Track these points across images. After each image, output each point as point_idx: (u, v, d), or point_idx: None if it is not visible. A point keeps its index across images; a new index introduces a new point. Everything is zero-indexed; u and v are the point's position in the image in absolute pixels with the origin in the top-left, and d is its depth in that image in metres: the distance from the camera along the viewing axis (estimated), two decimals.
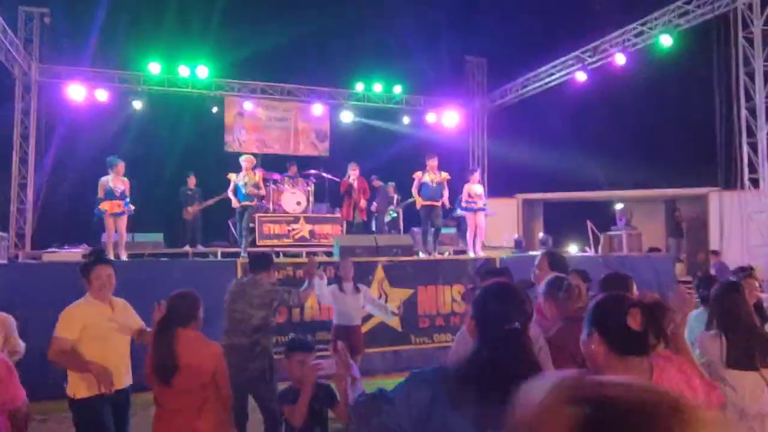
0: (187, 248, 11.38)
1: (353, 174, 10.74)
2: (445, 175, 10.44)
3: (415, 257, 9.52)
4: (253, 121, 15.93)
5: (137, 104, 14.39)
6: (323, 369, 2.97)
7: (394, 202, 13.20)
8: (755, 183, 10.78)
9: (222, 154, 15.25)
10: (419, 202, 10.25)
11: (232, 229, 12.12)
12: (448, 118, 17.48)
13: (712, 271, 12.54)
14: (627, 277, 3.47)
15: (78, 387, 3.50)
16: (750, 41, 10.62)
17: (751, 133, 10.74)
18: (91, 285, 3.62)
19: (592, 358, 1.81)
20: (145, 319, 3.81)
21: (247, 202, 9.92)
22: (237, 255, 9.91)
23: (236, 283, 4.77)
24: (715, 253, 13.16)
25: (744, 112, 10.72)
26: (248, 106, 15.50)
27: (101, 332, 3.57)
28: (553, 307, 3.21)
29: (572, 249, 14.11)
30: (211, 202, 11.61)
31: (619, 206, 13.31)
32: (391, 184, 13.10)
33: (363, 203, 11.06)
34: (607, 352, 1.76)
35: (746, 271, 5.08)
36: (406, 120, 17.27)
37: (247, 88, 15.62)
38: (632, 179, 16.76)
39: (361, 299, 6.28)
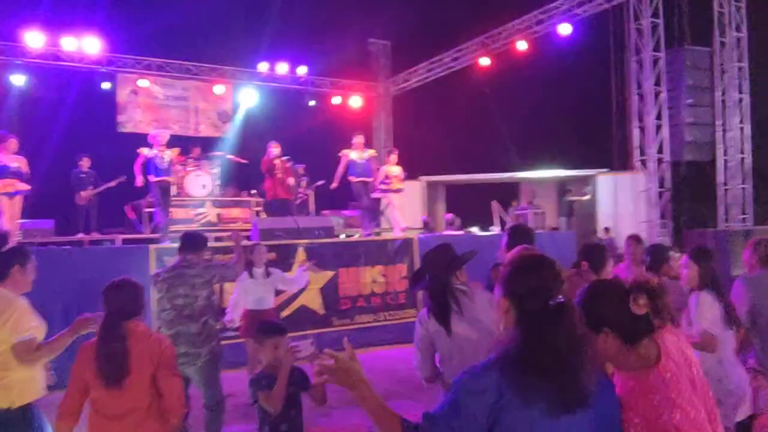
0: (80, 236, 10.48)
1: (275, 151, 10.37)
2: (371, 152, 10.41)
3: (336, 239, 9.42)
4: (149, 100, 14.96)
5: (16, 79, 13.01)
6: (300, 351, 2.83)
7: (304, 184, 12.96)
8: (644, 164, 11.68)
9: (115, 135, 14.21)
10: (352, 180, 10.19)
11: (132, 213, 11.35)
12: (353, 101, 17.41)
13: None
14: (530, 229, 3.65)
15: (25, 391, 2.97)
16: (640, 32, 11.44)
17: (641, 118, 11.60)
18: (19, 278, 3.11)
19: (604, 353, 1.74)
20: (47, 317, 3.24)
21: (166, 177, 9.32)
22: (142, 242, 9.30)
23: (168, 270, 4.45)
24: (607, 230, 14.17)
25: (635, 98, 11.56)
26: (143, 83, 14.52)
27: None
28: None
29: (475, 229, 14.63)
30: (110, 185, 10.77)
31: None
32: (301, 166, 12.85)
33: (291, 181, 10.72)
34: (620, 345, 1.72)
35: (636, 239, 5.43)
36: (311, 102, 16.97)
37: (141, 65, 14.61)
38: (530, 161, 17.60)
39: (274, 284, 6.09)
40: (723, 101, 12.62)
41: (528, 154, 17.16)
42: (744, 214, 12.52)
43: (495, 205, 13.78)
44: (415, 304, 9.49)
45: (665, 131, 11.49)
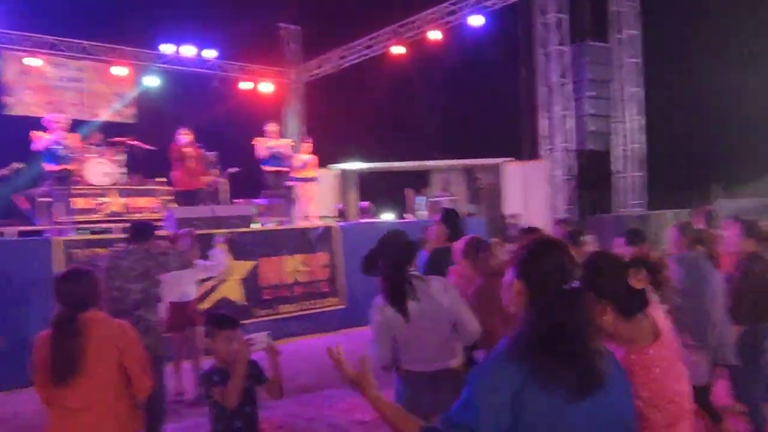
0: None
1: (185, 139, 9.87)
2: (286, 140, 10.21)
3: (256, 228, 9.16)
4: (41, 81, 13.79)
5: None
6: (255, 344, 2.71)
7: (216, 172, 12.49)
8: (551, 153, 12.25)
9: (1, 118, 13.01)
10: (266, 170, 9.92)
11: (26, 203, 10.44)
12: (264, 87, 16.96)
13: (513, 232, 14.11)
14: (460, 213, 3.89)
15: None
16: (547, 26, 11.95)
17: (548, 109, 12.15)
18: None
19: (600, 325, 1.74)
20: None
21: (65, 165, 8.63)
22: (40, 234, 8.60)
23: (108, 259, 4.23)
24: (514, 216, 14.78)
25: (543, 90, 12.09)
26: (34, 62, 13.36)
27: None
28: (471, 266, 3.28)
29: (389, 216, 14.78)
30: (3, 173, 9.83)
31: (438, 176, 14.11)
32: (212, 153, 12.36)
33: (211, 175, 10.30)
34: (616, 317, 1.77)
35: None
36: (220, 87, 16.36)
37: (30, 42, 13.42)
38: (441, 150, 17.97)
39: (197, 274, 5.87)
40: (619, 95, 13.47)
41: (439, 143, 17.53)
42: (638, 200, 13.46)
43: (409, 193, 13.98)
44: (336, 293, 9.44)
45: (570, 122, 12.09)
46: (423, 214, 12.49)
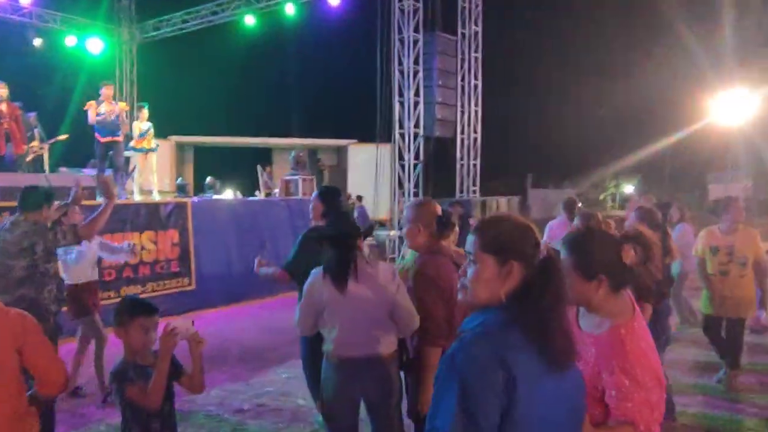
0: None
1: (0, 94, 8.48)
2: (122, 105, 9.24)
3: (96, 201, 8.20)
4: None
5: None
6: (179, 333, 2.42)
7: (36, 136, 10.97)
8: (403, 137, 12.62)
9: None
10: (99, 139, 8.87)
11: None
12: (92, 44, 15.20)
13: (355, 214, 14.37)
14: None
15: None
16: (403, 12, 12.22)
17: (401, 94, 12.48)
18: None
19: (589, 299, 1.83)
20: None
21: None
22: None
23: None
24: (360, 198, 15.02)
25: (397, 75, 12.37)
26: None
27: None
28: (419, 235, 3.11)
29: (229, 194, 14.20)
30: None
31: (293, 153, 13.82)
32: (32, 115, 10.83)
33: (21, 134, 8.89)
34: (608, 292, 1.82)
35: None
36: (38, 40, 14.34)
37: None
38: (287, 128, 17.67)
39: (95, 251, 5.16)
40: (462, 86, 14.26)
41: (285, 121, 17.21)
42: (474, 186, 14.43)
43: (260, 170, 13.54)
44: (189, 273, 8.88)
45: (421, 108, 12.54)
46: (276, 192, 12.18)
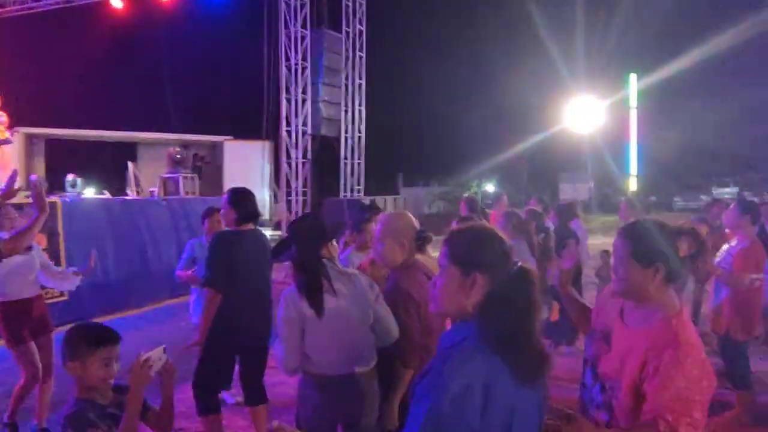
0: None
1: None
2: None
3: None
4: None
5: None
6: (153, 364, 2.06)
7: None
8: (290, 135, 12.28)
9: None
10: None
11: None
12: None
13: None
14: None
15: None
16: (290, 7, 11.87)
17: (288, 90, 12.13)
18: None
19: (644, 287, 1.81)
20: None
21: None
22: None
23: None
24: None
25: (284, 70, 12.01)
26: None
27: None
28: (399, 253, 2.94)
29: (91, 193, 12.95)
30: None
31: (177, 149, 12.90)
32: None
33: None
34: (662, 281, 1.80)
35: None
36: None
37: None
38: (158, 122, 16.47)
39: (35, 261, 4.25)
40: (346, 85, 14.19)
41: (153, 114, 16.02)
42: (359, 185, 14.45)
43: (132, 168, 12.46)
44: None
45: (309, 105, 12.29)
46: (153, 190, 11.27)
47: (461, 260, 1.51)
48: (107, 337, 2.07)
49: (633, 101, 25.44)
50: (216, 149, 17.45)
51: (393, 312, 2.70)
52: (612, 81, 26.37)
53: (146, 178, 13.26)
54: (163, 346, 2.14)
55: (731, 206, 4.80)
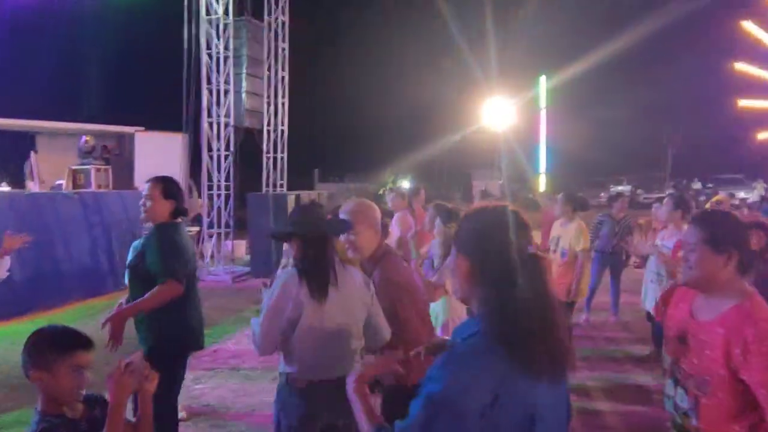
0: None
1: None
2: None
3: None
4: None
5: None
6: (136, 370, 1.85)
7: None
8: (211, 126, 11.75)
9: None
10: None
11: None
12: None
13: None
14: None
15: None
16: None
17: (210, 80, 11.61)
18: None
19: (716, 275, 1.81)
20: None
21: None
22: None
23: None
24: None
25: (205, 59, 11.48)
26: None
27: None
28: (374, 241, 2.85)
29: None
30: None
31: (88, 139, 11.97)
32: None
33: None
34: (734, 270, 1.82)
35: None
36: None
37: None
38: (57, 110, 15.29)
39: None
40: (268, 76, 13.79)
41: (54, 101, 14.88)
42: (282, 180, 14.11)
43: (35, 159, 11.51)
44: None
45: (231, 96, 11.84)
46: (60, 183, 10.46)
47: (461, 246, 1.47)
48: (78, 341, 1.84)
49: (542, 102, 26.62)
50: (125, 141, 16.48)
51: (390, 307, 2.59)
52: (523, 82, 27.45)
53: (46, 170, 12.36)
54: (141, 349, 1.93)
55: (665, 201, 5.11)
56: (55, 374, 1.77)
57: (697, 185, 32.97)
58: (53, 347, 1.79)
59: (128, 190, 11.18)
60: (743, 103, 28.96)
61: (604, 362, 6.07)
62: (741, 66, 28.63)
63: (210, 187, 11.88)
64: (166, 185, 3.58)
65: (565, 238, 6.10)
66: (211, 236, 11.92)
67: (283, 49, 14.11)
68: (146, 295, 3.16)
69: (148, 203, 3.49)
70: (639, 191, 34.39)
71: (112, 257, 9.77)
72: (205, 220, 11.86)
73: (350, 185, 33.61)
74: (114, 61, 13.33)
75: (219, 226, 11.82)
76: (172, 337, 3.28)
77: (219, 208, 11.84)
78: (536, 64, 29.13)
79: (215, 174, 11.81)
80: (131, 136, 16.32)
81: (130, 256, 3.59)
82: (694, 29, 36.04)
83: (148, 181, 3.59)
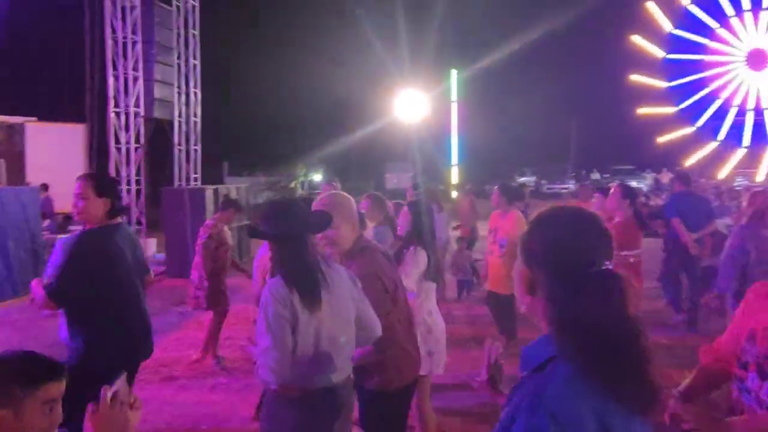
0: None
1: None
2: None
3: None
4: None
5: None
6: (123, 401, 1.53)
7: None
8: (118, 116, 10.93)
9: None
10: None
11: None
12: None
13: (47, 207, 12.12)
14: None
15: None
16: None
17: (116, 67, 10.77)
18: None
19: None
20: None
21: None
22: None
23: None
24: (45, 186, 12.62)
25: (110, 44, 10.63)
26: None
27: None
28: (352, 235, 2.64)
29: None
30: None
31: None
32: None
33: None
34: None
35: None
36: None
37: None
38: None
39: None
40: (179, 64, 13.04)
41: None
42: (196, 173, 13.43)
43: None
44: None
45: (141, 85, 11.06)
46: None
47: (531, 258, 1.29)
48: (47, 370, 1.51)
49: (453, 95, 27.13)
50: (14, 133, 15.07)
51: (375, 301, 2.41)
52: (436, 75, 27.85)
53: None
54: (124, 374, 1.62)
55: (612, 191, 5.24)
56: (21, 413, 1.43)
57: (596, 176, 35.06)
58: (19, 379, 1.45)
59: (25, 187, 10.16)
60: (642, 110, 31.10)
61: None
62: (635, 77, 30.61)
63: (118, 182, 11.05)
64: (98, 181, 3.16)
65: (503, 228, 6.13)
66: None
67: (194, 35, 13.41)
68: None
69: (80, 203, 3.07)
70: (543, 182, 36.03)
71: (9, 261, 8.84)
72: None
73: (261, 179, 32.75)
74: (1, 43, 12.05)
75: (129, 224, 11.02)
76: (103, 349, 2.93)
77: (129, 204, 11.04)
78: (448, 57, 29.71)
79: (124, 168, 11.01)
80: (21, 128, 14.97)
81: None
82: (596, 31, 38.26)
83: (78, 179, 3.15)
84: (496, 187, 6.68)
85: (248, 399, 4.66)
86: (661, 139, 31.55)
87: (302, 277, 2.16)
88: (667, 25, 30.49)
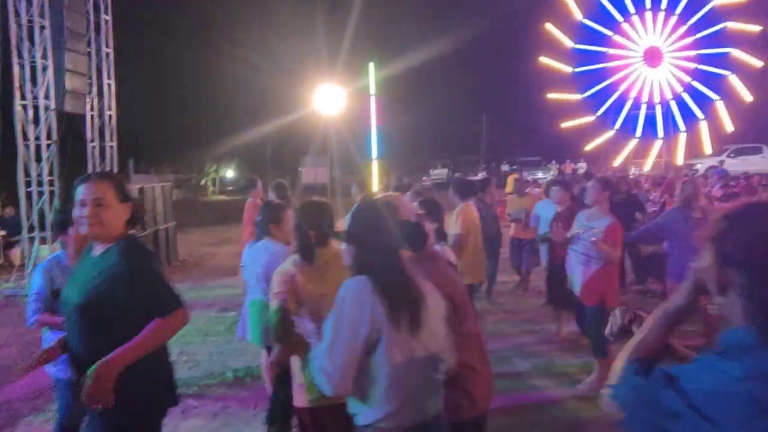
0: None
1: None
2: None
3: None
4: None
5: None
6: None
7: None
8: (25, 109, 9.83)
9: None
10: None
11: None
12: None
13: None
14: None
15: None
16: None
17: (21, 54, 9.68)
18: None
19: None
20: None
21: None
22: None
23: None
24: None
25: (14, 28, 9.54)
26: None
27: None
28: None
29: None
30: None
31: None
32: None
33: None
34: None
35: None
36: None
37: None
38: None
39: None
40: (89, 53, 12.00)
41: None
42: (113, 171, 12.44)
43: None
44: None
45: (50, 75, 10.03)
46: None
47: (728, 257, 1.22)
48: None
49: (372, 89, 26.97)
50: None
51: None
52: (355, 69, 27.51)
53: None
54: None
55: (590, 184, 5.24)
56: None
57: (505, 167, 36.21)
58: None
59: None
60: (551, 96, 32.82)
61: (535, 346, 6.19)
62: (544, 60, 32.12)
63: (28, 183, 9.95)
64: (119, 183, 2.50)
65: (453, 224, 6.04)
66: (31, 241, 10.02)
67: (107, 22, 12.40)
68: (145, 332, 2.22)
69: (102, 213, 2.33)
70: (456, 174, 36.72)
71: None
72: (24, 222, 9.93)
73: (169, 177, 31.05)
74: None
75: (42, 229, 9.93)
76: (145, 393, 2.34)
77: (41, 206, 9.99)
78: (367, 51, 29.46)
79: (34, 167, 9.93)
80: None
81: (71, 290, 2.51)
82: (509, 26, 39.42)
83: (90, 182, 2.39)
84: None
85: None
86: (565, 125, 33.37)
87: (394, 285, 1.86)
88: (578, 14, 32.29)
